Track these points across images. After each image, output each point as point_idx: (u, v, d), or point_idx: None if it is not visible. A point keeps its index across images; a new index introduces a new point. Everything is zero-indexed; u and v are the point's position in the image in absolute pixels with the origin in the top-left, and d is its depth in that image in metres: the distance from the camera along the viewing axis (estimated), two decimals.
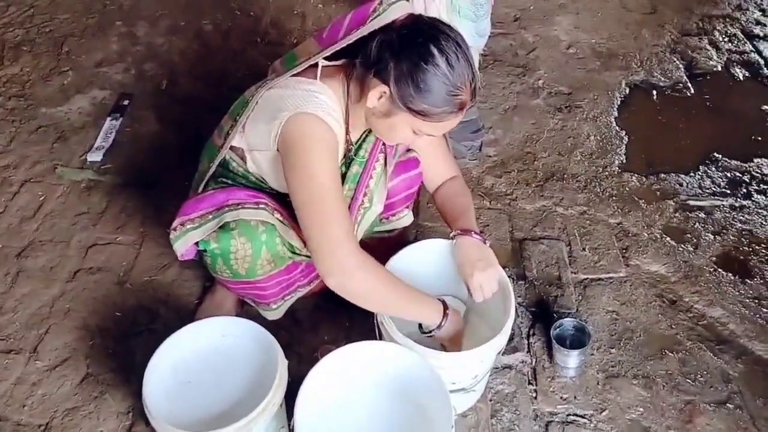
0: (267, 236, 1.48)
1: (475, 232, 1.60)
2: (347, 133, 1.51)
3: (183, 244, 1.51)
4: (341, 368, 1.44)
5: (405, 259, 1.62)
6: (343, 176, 1.57)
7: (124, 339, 1.79)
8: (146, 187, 2.21)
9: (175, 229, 1.52)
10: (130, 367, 1.71)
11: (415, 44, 1.34)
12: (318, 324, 1.83)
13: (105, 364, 1.73)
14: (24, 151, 2.35)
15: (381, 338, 1.54)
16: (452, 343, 1.52)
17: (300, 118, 1.39)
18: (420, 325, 1.52)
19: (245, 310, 1.83)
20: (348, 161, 1.57)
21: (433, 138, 1.65)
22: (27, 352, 1.76)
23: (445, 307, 1.47)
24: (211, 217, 1.49)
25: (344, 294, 1.39)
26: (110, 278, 1.94)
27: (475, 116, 2.29)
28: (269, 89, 1.46)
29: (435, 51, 1.33)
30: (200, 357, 1.47)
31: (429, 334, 1.49)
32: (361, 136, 1.58)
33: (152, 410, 1.33)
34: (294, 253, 1.56)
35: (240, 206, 1.49)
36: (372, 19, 1.41)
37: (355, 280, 1.36)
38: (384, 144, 1.60)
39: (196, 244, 1.52)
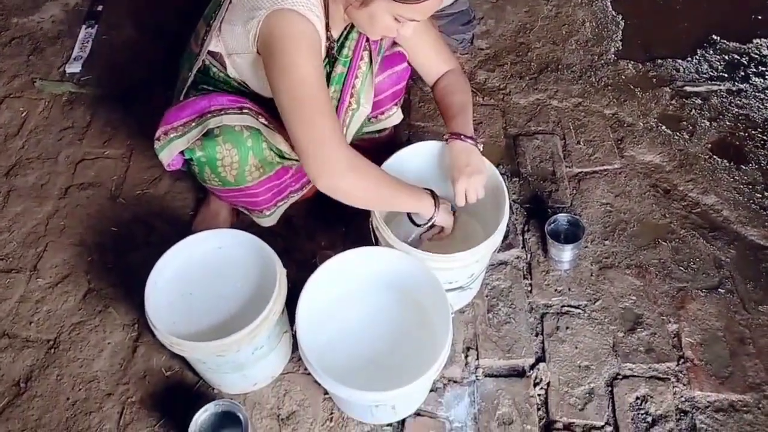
0: (252, 141, 1.46)
1: (466, 136, 1.55)
2: (327, 29, 1.45)
3: (168, 154, 1.48)
4: (340, 273, 1.46)
5: (397, 161, 1.60)
6: (328, 77, 1.52)
7: (122, 254, 1.80)
8: (128, 97, 2.16)
9: (158, 139, 1.48)
10: (131, 280, 1.73)
11: None
12: (314, 230, 1.83)
13: (105, 279, 1.76)
14: None
15: (377, 243, 1.55)
16: (444, 234, 1.54)
17: (278, 15, 1.32)
18: (411, 220, 1.51)
19: (240, 219, 1.83)
20: (331, 60, 1.52)
21: (419, 27, 1.58)
22: (27, 270, 1.78)
23: (435, 196, 1.48)
24: (194, 124, 1.46)
25: (336, 195, 1.37)
26: (102, 193, 1.93)
27: (466, 7, 2.20)
28: None
29: None
30: (199, 269, 1.48)
31: (424, 225, 1.49)
32: (343, 32, 1.51)
33: (156, 323, 1.35)
34: (282, 157, 1.54)
35: (223, 112, 1.45)
36: None
37: (345, 180, 1.33)
38: (368, 40, 1.53)
39: (182, 153, 1.49)
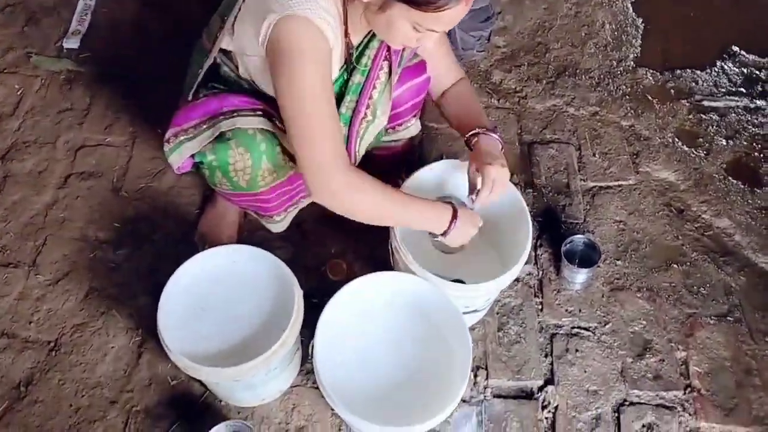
0: (266, 145, 1.40)
1: (497, 134, 1.51)
2: (346, 35, 1.38)
3: (178, 158, 1.42)
4: (359, 297, 1.43)
5: (416, 182, 1.55)
6: (345, 84, 1.46)
7: (125, 251, 1.74)
8: (131, 78, 2.07)
9: (168, 141, 1.42)
10: (135, 281, 1.69)
11: None
12: (325, 236, 1.79)
13: (108, 277, 1.70)
14: None
15: (395, 264, 1.52)
16: (457, 242, 1.46)
17: (288, 21, 1.24)
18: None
19: (248, 219, 1.78)
20: (349, 68, 1.45)
21: (436, 37, 1.52)
22: (26, 265, 1.72)
23: (455, 212, 1.40)
24: (205, 126, 1.40)
25: (339, 212, 1.34)
26: (104, 184, 1.86)
27: (487, 2, 2.12)
28: None
29: None
30: (212, 286, 1.44)
31: (435, 238, 1.44)
32: (363, 40, 1.44)
33: (169, 344, 1.31)
34: (295, 162, 1.48)
35: (236, 113, 1.39)
36: None
37: (341, 199, 1.31)
38: (388, 50, 1.47)
39: (192, 156, 1.43)
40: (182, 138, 1.40)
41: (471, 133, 1.50)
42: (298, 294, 1.37)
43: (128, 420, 1.51)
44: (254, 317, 1.42)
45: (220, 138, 1.37)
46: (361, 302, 1.44)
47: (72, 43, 2.12)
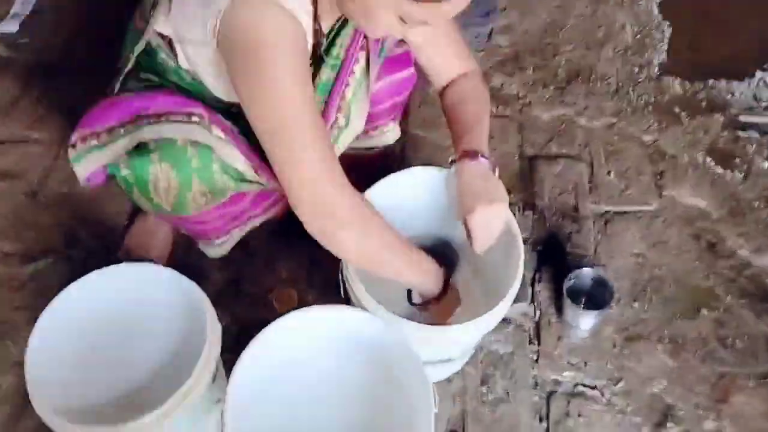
0: (199, 162, 1.09)
1: (483, 155, 1.19)
2: (315, 20, 1.08)
3: (85, 167, 1.12)
4: (288, 339, 1.11)
5: (388, 188, 1.24)
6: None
7: (34, 269, 1.46)
8: (70, 69, 1.81)
9: (74, 146, 1.13)
10: (38, 303, 1.34)
11: None
12: (274, 257, 1.50)
13: (7, 302, 1.41)
14: None
15: (347, 297, 1.20)
16: (441, 317, 1.18)
17: (248, 6, 0.97)
18: (408, 296, 1.19)
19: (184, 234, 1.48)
20: (317, 61, 1.15)
21: (426, 31, 1.21)
22: None
23: (448, 277, 1.15)
24: (123, 132, 1.09)
25: (329, 245, 1.05)
26: (20, 187, 1.59)
27: None
28: None
29: None
30: (107, 317, 1.13)
31: (420, 306, 1.16)
32: (335, 25, 1.14)
33: (35, 394, 1.00)
34: (241, 180, 1.18)
35: (164, 118, 1.09)
36: None
37: (345, 231, 1.03)
38: (365, 37, 1.17)
39: (105, 166, 1.13)
40: (92, 143, 1.10)
41: (450, 159, 1.25)
42: (212, 329, 1.05)
43: None
44: (159, 360, 1.11)
45: (140, 148, 1.07)
46: (292, 347, 1.11)
47: (9, 26, 1.88)
